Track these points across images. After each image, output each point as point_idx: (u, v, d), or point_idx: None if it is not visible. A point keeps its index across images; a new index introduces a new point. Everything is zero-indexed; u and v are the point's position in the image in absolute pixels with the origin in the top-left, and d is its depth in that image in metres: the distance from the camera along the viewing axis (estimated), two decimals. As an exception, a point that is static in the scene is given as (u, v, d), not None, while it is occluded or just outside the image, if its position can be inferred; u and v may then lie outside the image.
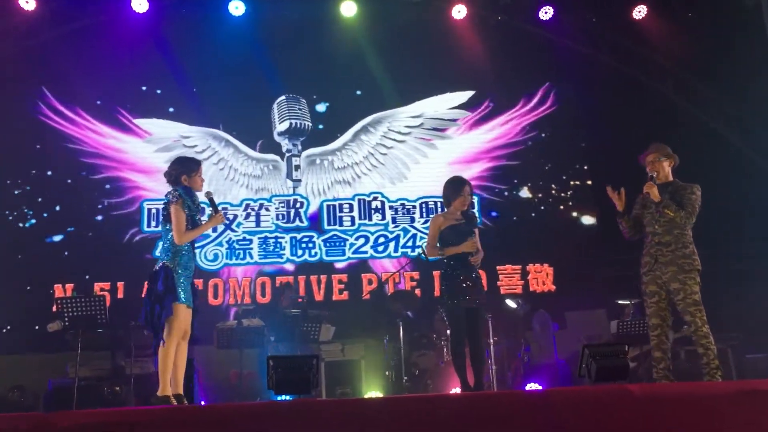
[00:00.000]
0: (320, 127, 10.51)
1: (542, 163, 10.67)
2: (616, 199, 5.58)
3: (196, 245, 5.46)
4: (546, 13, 10.17)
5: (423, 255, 8.50)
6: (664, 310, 5.42)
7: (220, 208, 5.56)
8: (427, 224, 10.12)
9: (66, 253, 9.61)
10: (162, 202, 5.33)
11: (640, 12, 10.24)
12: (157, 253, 6.14)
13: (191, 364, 5.45)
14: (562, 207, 10.70)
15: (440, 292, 5.86)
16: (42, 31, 9.66)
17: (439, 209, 10.24)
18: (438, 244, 5.88)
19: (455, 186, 5.91)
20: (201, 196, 5.41)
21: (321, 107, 10.55)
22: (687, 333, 5.35)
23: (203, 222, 5.35)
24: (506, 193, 10.60)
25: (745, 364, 8.24)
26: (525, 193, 10.70)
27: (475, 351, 5.72)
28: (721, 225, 9.33)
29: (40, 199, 9.73)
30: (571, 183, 10.75)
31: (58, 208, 9.70)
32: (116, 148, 9.93)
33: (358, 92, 10.48)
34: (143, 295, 5.26)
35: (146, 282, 5.23)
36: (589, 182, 10.64)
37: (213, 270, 9.72)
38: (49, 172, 9.79)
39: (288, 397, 5.42)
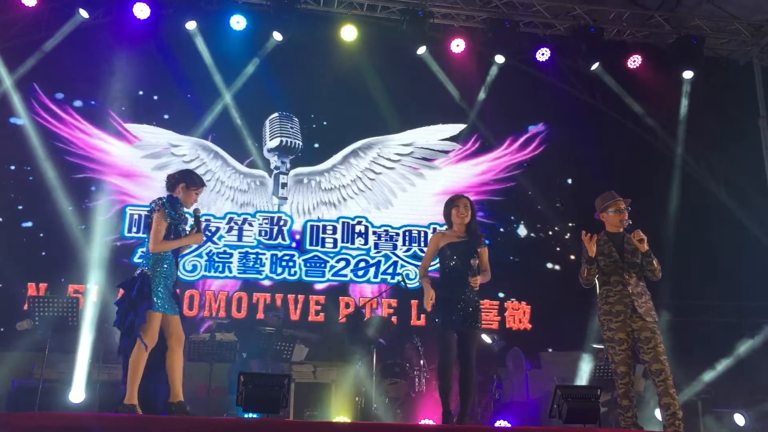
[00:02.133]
0: (316, 145, 10.54)
1: (532, 202, 10.73)
2: (589, 244, 5.52)
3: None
4: (543, 54, 10.30)
5: (403, 283, 8.59)
6: (630, 359, 5.43)
7: (203, 225, 5.51)
8: (409, 252, 10.17)
9: (43, 252, 9.49)
10: (147, 209, 5.31)
11: (635, 62, 10.40)
12: (137, 259, 6.11)
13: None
14: (559, 248, 10.74)
15: (432, 313, 5.55)
16: (41, 29, 9.64)
17: (422, 240, 10.27)
18: (434, 262, 5.72)
19: (450, 201, 5.76)
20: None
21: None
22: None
23: (185, 234, 5.31)
24: (502, 229, 10.67)
25: (713, 417, 8.27)
26: (522, 230, 10.80)
27: (465, 377, 5.47)
28: (706, 280, 9.45)
29: (13, 195, 9.61)
30: (570, 224, 10.82)
31: (36, 206, 9.56)
32: (104, 151, 9.86)
33: (352, 116, 10.51)
34: (116, 300, 5.21)
35: (121, 287, 5.19)
36: (571, 224, 10.75)
37: (190, 281, 9.63)
38: (28, 167, 9.65)
39: (255, 415, 5.36)
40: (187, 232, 5.32)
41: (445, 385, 5.45)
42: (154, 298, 5.00)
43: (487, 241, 5.89)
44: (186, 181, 5.32)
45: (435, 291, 5.55)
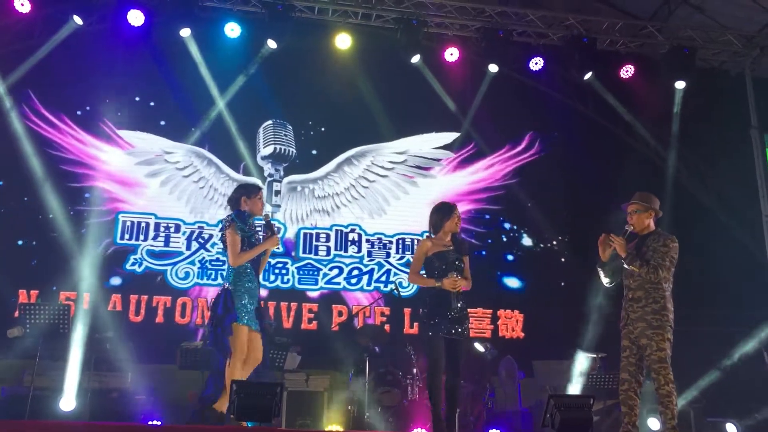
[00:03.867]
0: (314, 152, 10.53)
1: (526, 210, 10.74)
2: (604, 248, 5.55)
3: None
4: (536, 63, 10.34)
5: (396, 291, 8.58)
6: (633, 366, 5.43)
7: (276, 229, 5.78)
8: (402, 260, 10.16)
9: (34, 261, 9.42)
10: (218, 227, 5.61)
11: (627, 71, 10.45)
12: (222, 279, 6.43)
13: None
14: (563, 259, 10.71)
15: (420, 320, 5.54)
16: (35, 35, 9.62)
17: (415, 248, 10.22)
18: (422, 272, 5.61)
19: (446, 209, 5.66)
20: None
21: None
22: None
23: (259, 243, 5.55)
24: (504, 238, 10.69)
25: (705, 426, 8.27)
26: (527, 240, 10.82)
27: (452, 385, 5.47)
28: (697, 289, 9.46)
29: (12, 202, 9.56)
30: (562, 238, 10.82)
31: (30, 213, 9.50)
32: (97, 158, 9.81)
33: (346, 124, 10.51)
34: (207, 321, 5.59)
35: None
36: (563, 239, 10.75)
37: (183, 288, 9.60)
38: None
39: (248, 424, 5.33)
40: (261, 241, 5.58)
41: (435, 392, 5.44)
42: (238, 312, 5.27)
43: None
44: (245, 193, 5.64)
45: (425, 299, 5.56)
